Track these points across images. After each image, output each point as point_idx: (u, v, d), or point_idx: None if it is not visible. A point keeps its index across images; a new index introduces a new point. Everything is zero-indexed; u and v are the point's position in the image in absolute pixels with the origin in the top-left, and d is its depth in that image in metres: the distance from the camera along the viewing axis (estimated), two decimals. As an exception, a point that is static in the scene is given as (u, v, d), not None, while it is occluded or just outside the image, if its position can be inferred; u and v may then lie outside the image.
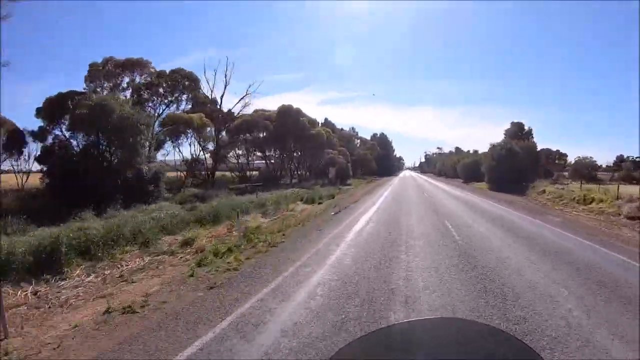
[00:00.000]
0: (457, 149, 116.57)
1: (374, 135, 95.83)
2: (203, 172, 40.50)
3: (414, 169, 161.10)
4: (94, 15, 71.60)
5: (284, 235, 10.05)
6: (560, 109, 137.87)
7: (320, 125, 53.50)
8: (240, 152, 44.24)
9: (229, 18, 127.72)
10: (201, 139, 28.05)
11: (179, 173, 31.66)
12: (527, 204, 20.14)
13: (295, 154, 41.44)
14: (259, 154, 38.75)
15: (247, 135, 33.43)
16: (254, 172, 45.40)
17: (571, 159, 61.95)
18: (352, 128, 76.98)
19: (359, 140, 76.65)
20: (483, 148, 76.80)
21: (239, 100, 29.90)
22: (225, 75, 27.82)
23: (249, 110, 33.26)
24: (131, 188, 16.90)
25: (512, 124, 59.41)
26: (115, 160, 18.54)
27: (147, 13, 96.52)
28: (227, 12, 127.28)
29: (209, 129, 30.91)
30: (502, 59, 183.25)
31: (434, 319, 2.56)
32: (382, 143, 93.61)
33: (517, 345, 1.07)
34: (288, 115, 32.15)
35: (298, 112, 32.75)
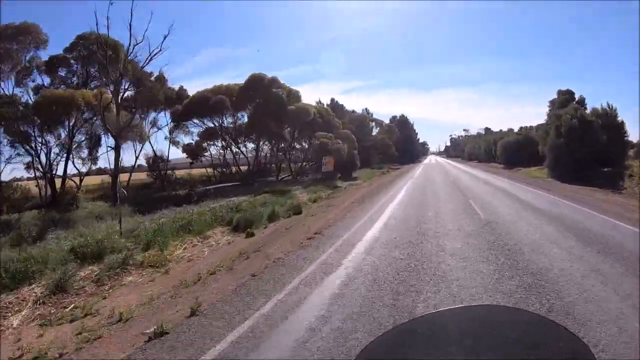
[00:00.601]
0: (487, 129, 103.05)
1: (393, 117, 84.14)
2: (167, 172, 32.39)
3: (439, 153, 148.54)
4: None
5: None
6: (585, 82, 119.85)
7: (327, 106, 43.72)
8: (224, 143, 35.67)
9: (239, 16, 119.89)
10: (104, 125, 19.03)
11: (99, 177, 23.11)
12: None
13: (282, 142, 32.29)
14: (235, 144, 29.89)
15: (207, 119, 24.32)
16: (244, 167, 36.79)
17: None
18: (366, 109, 66.08)
19: (373, 124, 65.79)
20: (514, 128, 64.47)
21: (151, 56, 19.90)
22: (130, 28, 18.52)
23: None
24: None
25: (560, 92, 47.86)
26: None
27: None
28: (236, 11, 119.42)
29: (154, 114, 22.12)
30: (525, 35, 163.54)
31: (467, 307, 2.11)
32: (402, 126, 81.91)
33: (564, 334, 0.96)
34: (257, 88, 22.73)
35: (273, 82, 23.20)
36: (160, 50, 19.87)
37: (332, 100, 53.34)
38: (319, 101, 48.72)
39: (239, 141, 32.14)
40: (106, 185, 22.64)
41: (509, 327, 0.97)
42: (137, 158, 24.10)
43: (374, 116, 68.53)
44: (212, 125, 27.75)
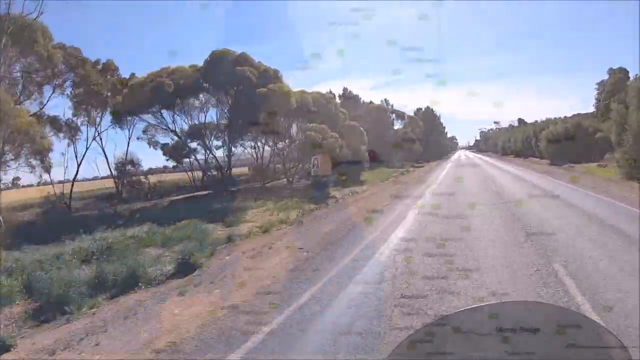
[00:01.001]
0: (521, 120, 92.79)
1: (418, 110, 76.35)
2: (140, 178, 27.81)
3: (469, 148, 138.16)
4: None
5: None
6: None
7: (336, 96, 37.95)
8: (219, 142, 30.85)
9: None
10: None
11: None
12: None
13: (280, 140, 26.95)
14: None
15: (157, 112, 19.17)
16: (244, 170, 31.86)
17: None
18: (385, 100, 59.01)
19: (394, 116, 58.75)
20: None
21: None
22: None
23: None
24: None
25: (612, 71, 40.16)
26: None
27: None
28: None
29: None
30: (553, 24, 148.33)
31: (505, 302, 2.05)
32: (428, 119, 74.21)
33: (603, 335, 0.93)
34: (223, 69, 17.29)
35: (239, 59, 17.61)
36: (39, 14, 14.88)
37: (345, 89, 47.30)
38: (330, 91, 42.98)
39: (234, 139, 27.17)
40: (29, 202, 18.13)
41: (547, 324, 0.94)
42: (79, 165, 19.41)
43: (388, 101, 61.40)
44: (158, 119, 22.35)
